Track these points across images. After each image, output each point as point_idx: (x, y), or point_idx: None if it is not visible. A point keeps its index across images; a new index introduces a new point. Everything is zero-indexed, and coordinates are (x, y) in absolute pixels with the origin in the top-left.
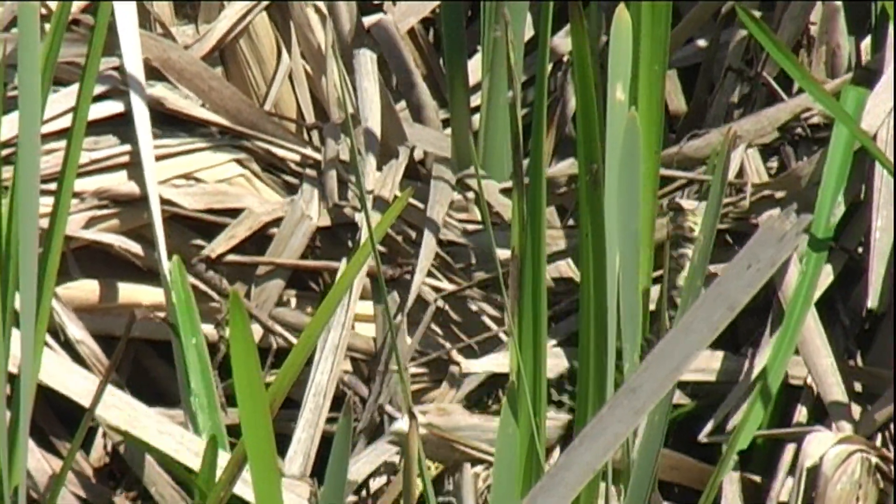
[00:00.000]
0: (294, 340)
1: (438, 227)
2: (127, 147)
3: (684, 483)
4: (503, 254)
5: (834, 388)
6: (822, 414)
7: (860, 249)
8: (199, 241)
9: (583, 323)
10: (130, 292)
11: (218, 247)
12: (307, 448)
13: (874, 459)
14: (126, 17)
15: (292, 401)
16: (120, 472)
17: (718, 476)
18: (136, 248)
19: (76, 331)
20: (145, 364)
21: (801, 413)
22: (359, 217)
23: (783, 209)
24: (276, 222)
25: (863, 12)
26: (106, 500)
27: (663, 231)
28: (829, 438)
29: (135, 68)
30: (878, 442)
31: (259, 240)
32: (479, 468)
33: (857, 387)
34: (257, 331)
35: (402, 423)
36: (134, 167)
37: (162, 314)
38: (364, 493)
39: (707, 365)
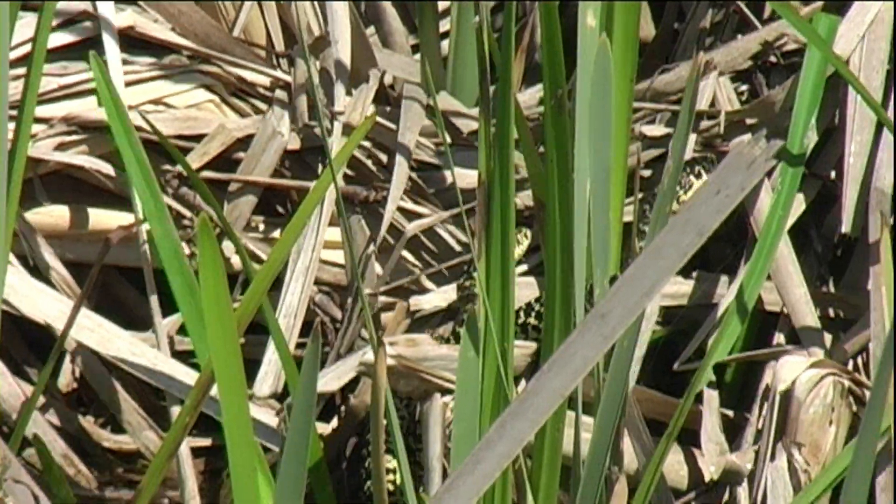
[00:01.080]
0: (264, 257)
1: (410, 153)
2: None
3: (657, 418)
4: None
5: (807, 315)
6: (796, 340)
7: (833, 176)
8: (169, 167)
9: (548, 248)
10: (99, 218)
11: (191, 162)
12: (277, 369)
13: (847, 383)
14: None
15: (263, 327)
16: (89, 398)
17: (688, 400)
18: (107, 168)
19: (46, 256)
20: (115, 289)
21: (776, 339)
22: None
23: (754, 135)
24: (248, 140)
25: None
26: (75, 425)
27: (633, 158)
28: (803, 362)
29: None
30: (851, 367)
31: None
32: (447, 398)
33: (831, 312)
34: (230, 249)
35: (369, 355)
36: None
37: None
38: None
39: (678, 290)
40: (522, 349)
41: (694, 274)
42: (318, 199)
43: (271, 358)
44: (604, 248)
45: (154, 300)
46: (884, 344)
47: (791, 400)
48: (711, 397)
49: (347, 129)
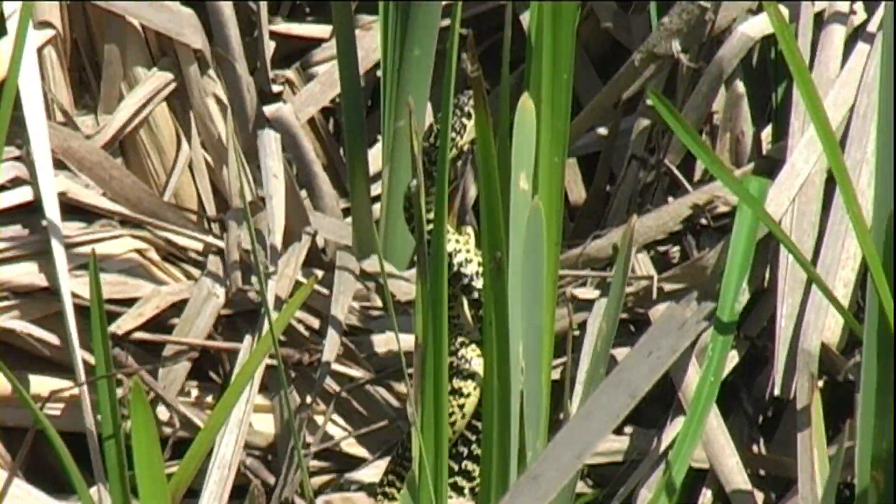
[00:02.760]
0: (199, 423)
1: (342, 320)
2: (27, 238)
3: None
4: (406, 340)
5: (738, 481)
6: (726, 499)
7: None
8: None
9: (486, 410)
10: (32, 383)
11: (125, 324)
12: None
13: None
14: (32, 106)
15: (194, 491)
16: None
17: None
18: (39, 333)
19: None
20: (42, 452)
21: (705, 496)
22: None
23: (685, 297)
24: (180, 305)
25: (763, 99)
26: None
27: (564, 321)
28: None
29: (43, 158)
30: None
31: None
32: None
33: (762, 472)
34: (163, 413)
35: None
36: (34, 257)
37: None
38: None
39: (610, 448)
40: None
41: (626, 430)
42: (257, 364)
43: None
44: (536, 409)
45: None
46: None
47: None
48: None
49: (280, 291)
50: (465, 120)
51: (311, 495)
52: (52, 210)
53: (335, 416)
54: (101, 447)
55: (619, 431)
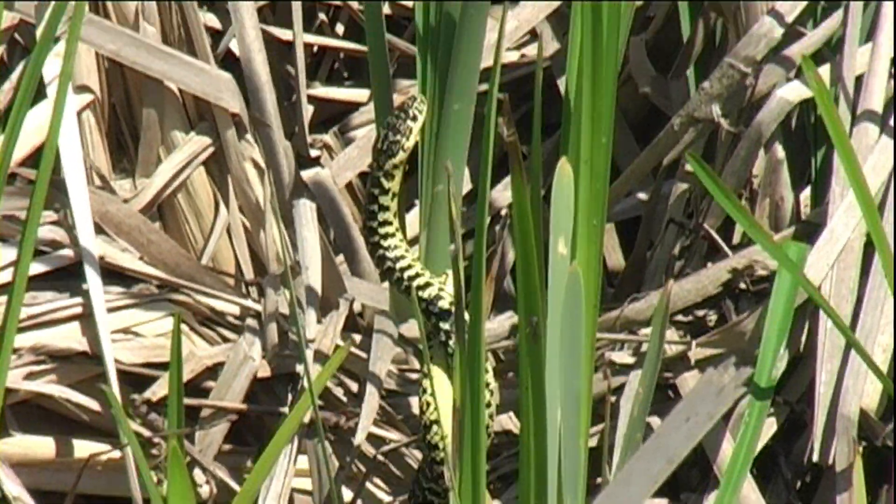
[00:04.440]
0: (236, 487)
1: (381, 383)
2: (65, 302)
3: None
4: None
5: None
6: None
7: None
8: (137, 395)
9: (522, 476)
10: (70, 447)
11: (160, 389)
12: None
13: None
14: (73, 170)
15: None
16: None
17: None
18: (77, 397)
19: (13, 487)
20: None
21: None
22: (299, 367)
23: (723, 363)
24: (217, 368)
25: (803, 164)
26: None
27: (601, 384)
28: None
29: (83, 222)
30: None
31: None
32: None
33: None
34: (199, 477)
35: None
36: (71, 322)
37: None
38: None
39: None
40: None
41: (664, 496)
42: (295, 427)
43: None
44: (574, 474)
45: None
46: None
47: None
48: None
49: (319, 356)
50: (409, 123)
51: None
52: (93, 275)
53: (374, 479)
54: None
55: (656, 497)
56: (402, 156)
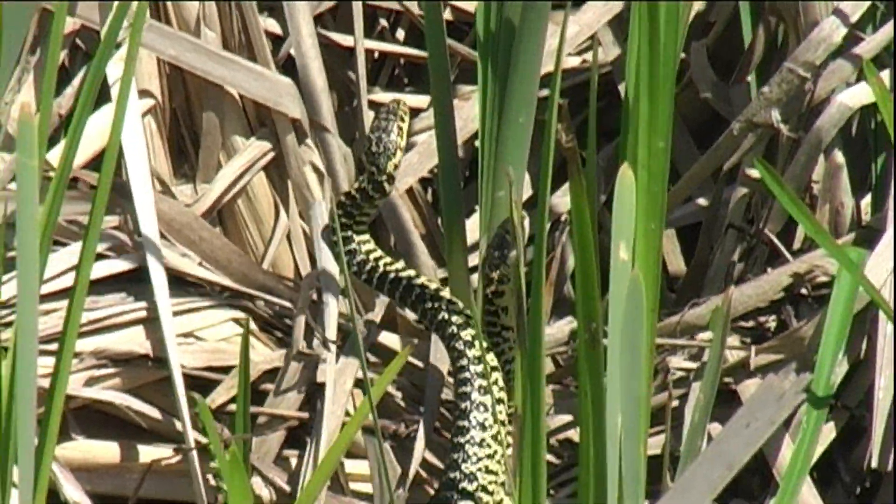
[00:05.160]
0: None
1: (441, 387)
2: (127, 306)
3: None
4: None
5: None
6: None
7: (859, 406)
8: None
9: (582, 483)
10: (130, 452)
11: (219, 396)
12: None
13: None
14: (138, 174)
15: None
16: None
17: None
18: (137, 404)
19: (74, 492)
20: None
21: None
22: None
23: (783, 368)
24: (275, 372)
25: (863, 169)
26: None
27: (661, 390)
28: None
29: (149, 227)
30: None
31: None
32: None
33: None
34: (258, 483)
35: None
36: (133, 326)
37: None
38: None
39: None
40: None
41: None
42: (352, 434)
43: None
44: (634, 481)
45: None
46: None
47: None
48: None
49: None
50: (400, 123)
51: None
52: (159, 279)
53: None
54: None
55: (716, 503)
56: (399, 156)
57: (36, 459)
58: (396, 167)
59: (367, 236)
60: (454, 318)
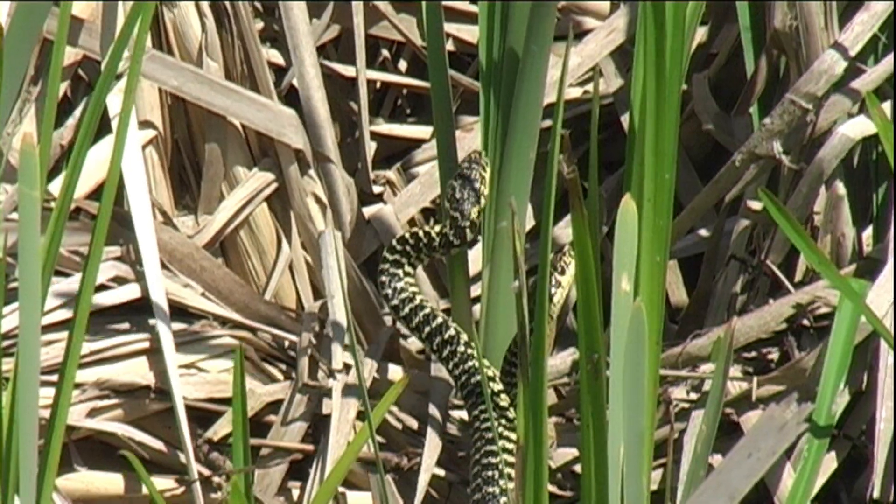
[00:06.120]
0: None
1: (442, 422)
2: (128, 337)
3: None
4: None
5: None
6: None
7: (861, 437)
8: (199, 431)
9: None
10: (133, 483)
11: (221, 428)
12: None
13: None
14: (139, 205)
15: None
16: None
17: None
18: (139, 435)
19: None
20: None
21: None
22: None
23: (785, 399)
24: (278, 404)
25: (864, 200)
26: None
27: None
28: None
29: (150, 257)
30: None
31: (259, 427)
32: None
33: None
34: None
35: None
36: (135, 357)
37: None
38: None
39: None
40: None
41: None
42: (350, 462)
43: None
44: None
45: None
46: None
47: None
48: None
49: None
50: (483, 172)
51: None
52: (161, 310)
53: None
54: None
55: None
56: (483, 204)
57: (37, 490)
58: (479, 214)
59: (414, 279)
60: (492, 385)
